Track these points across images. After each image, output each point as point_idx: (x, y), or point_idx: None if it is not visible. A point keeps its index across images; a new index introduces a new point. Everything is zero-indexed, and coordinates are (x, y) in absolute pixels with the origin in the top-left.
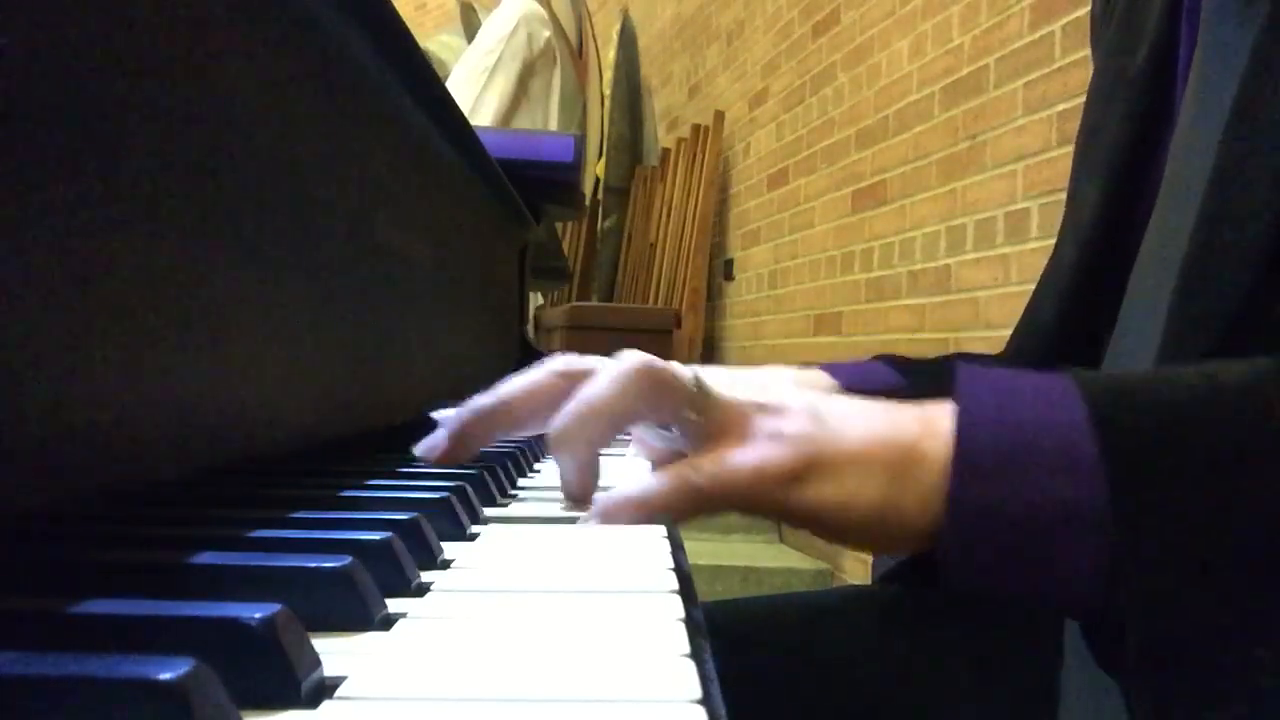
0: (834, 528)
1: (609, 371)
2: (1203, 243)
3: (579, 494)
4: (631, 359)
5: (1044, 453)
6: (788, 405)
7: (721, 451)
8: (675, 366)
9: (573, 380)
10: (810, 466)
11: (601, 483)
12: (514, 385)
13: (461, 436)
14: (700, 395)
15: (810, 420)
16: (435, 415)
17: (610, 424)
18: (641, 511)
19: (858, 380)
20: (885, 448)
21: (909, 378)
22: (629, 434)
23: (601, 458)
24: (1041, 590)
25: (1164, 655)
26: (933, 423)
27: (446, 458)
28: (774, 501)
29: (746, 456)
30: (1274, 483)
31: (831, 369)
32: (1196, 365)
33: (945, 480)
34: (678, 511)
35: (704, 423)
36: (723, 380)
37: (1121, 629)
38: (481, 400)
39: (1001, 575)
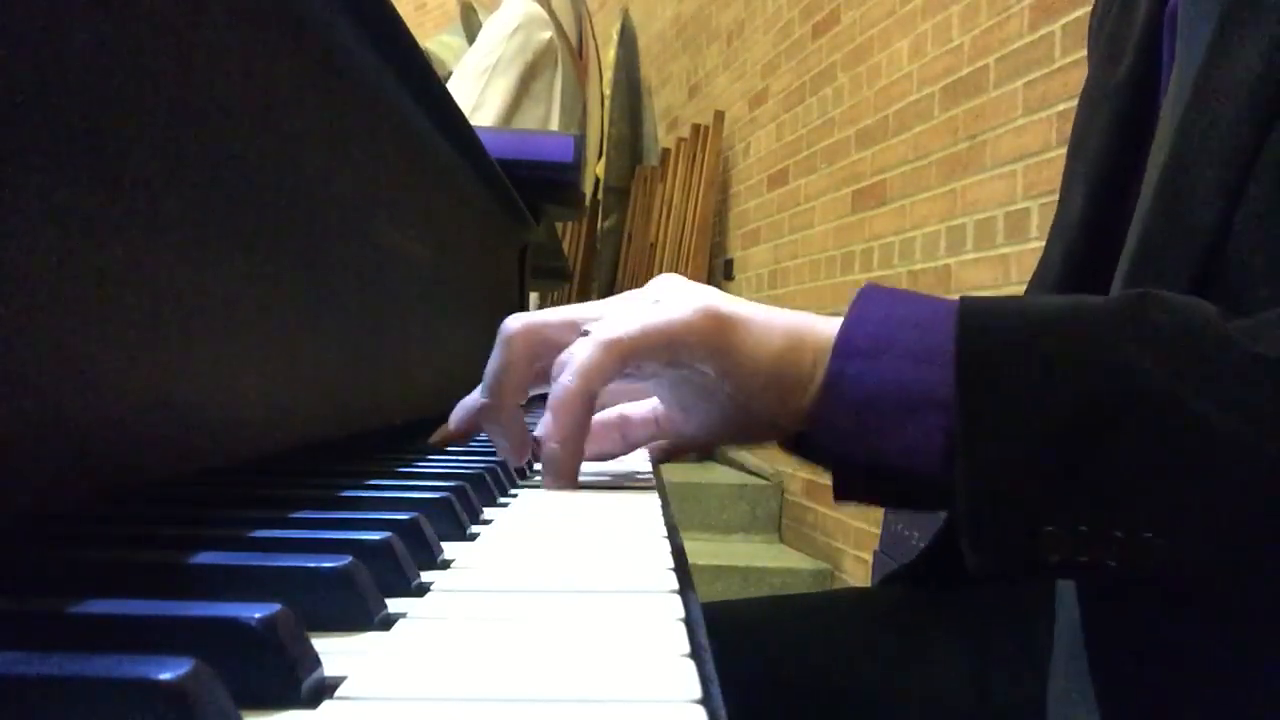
0: (740, 383)
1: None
2: (1152, 228)
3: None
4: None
5: (910, 342)
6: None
7: (635, 313)
8: (547, 317)
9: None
10: (716, 320)
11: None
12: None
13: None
14: (589, 313)
15: (712, 291)
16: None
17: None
18: (581, 380)
19: None
20: (784, 316)
21: None
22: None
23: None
24: (891, 459)
25: (988, 524)
26: (831, 319)
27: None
28: (689, 351)
29: (657, 311)
30: (1095, 384)
31: None
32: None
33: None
34: (609, 366)
35: (604, 318)
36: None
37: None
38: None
39: (858, 442)
